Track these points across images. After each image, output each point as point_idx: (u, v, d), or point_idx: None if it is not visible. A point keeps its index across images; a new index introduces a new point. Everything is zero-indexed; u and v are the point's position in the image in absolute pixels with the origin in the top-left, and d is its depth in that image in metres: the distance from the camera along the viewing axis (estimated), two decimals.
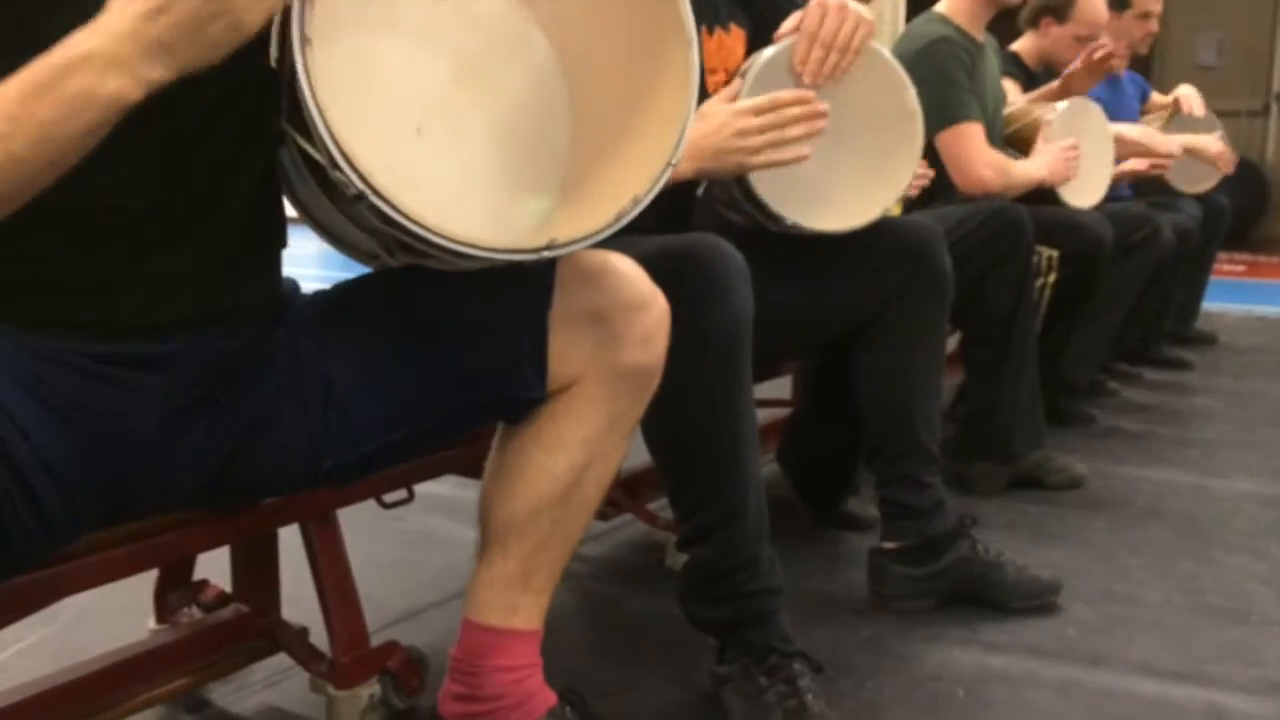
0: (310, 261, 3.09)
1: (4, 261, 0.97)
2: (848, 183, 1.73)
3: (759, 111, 1.49)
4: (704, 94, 1.57)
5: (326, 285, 1.28)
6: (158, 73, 0.84)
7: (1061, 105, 2.76)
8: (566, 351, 1.17)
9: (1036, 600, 1.85)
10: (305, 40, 0.90)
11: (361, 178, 0.93)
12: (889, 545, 1.87)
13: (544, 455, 1.21)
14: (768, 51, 1.62)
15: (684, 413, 1.41)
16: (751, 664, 1.46)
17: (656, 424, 1.42)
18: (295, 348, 1.16)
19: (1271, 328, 4.73)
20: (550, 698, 1.27)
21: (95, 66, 0.82)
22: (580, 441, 1.20)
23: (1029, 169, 2.62)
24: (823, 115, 1.50)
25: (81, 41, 0.83)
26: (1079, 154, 2.67)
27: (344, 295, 1.24)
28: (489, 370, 1.18)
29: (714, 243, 1.42)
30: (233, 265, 1.10)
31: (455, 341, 1.17)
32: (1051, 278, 2.60)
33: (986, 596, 1.85)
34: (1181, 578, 1.99)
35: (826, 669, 1.53)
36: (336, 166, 0.93)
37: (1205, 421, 3.13)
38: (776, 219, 1.66)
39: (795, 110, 1.49)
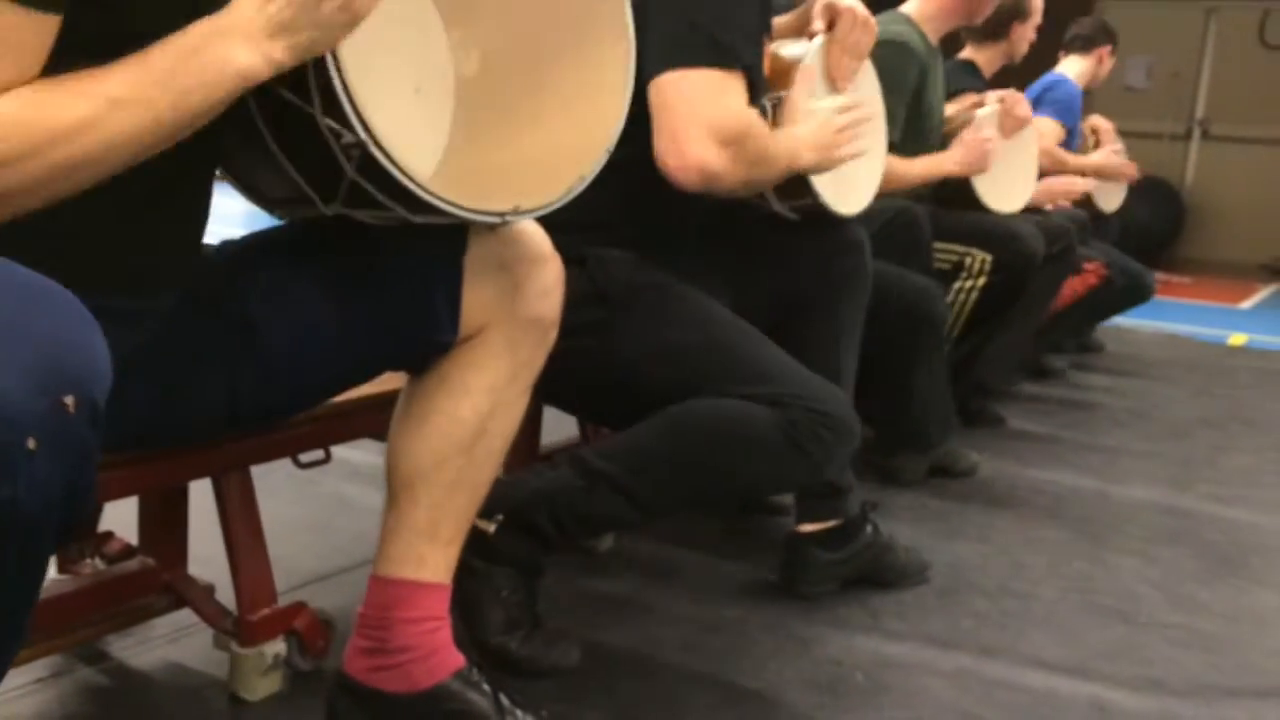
0: (236, 220, 3.04)
1: None
2: (854, 173, 1.90)
3: (842, 112, 1.71)
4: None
5: None
6: (279, 52, 0.92)
7: (989, 109, 2.80)
8: (474, 299, 1.21)
9: (922, 579, 1.98)
10: None
11: (366, 129, 0.97)
12: (808, 528, 1.91)
13: (449, 401, 1.24)
14: (808, 56, 1.79)
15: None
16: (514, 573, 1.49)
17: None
18: (215, 292, 1.15)
19: (1180, 345, 4.89)
20: (458, 658, 1.28)
21: (229, 40, 0.91)
22: (485, 389, 1.24)
23: (919, 166, 2.61)
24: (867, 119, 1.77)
25: (213, 19, 0.91)
26: (992, 145, 2.68)
27: (263, 242, 1.24)
28: (406, 314, 1.20)
29: None
30: (166, 220, 1.08)
31: (374, 285, 1.18)
32: (981, 281, 2.67)
33: (880, 577, 1.94)
34: (1076, 577, 2.06)
35: (731, 651, 1.57)
36: (344, 117, 0.96)
37: (1110, 430, 3.23)
38: (821, 206, 1.82)
39: (861, 113, 1.74)
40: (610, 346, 1.52)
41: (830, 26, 1.84)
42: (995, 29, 3.19)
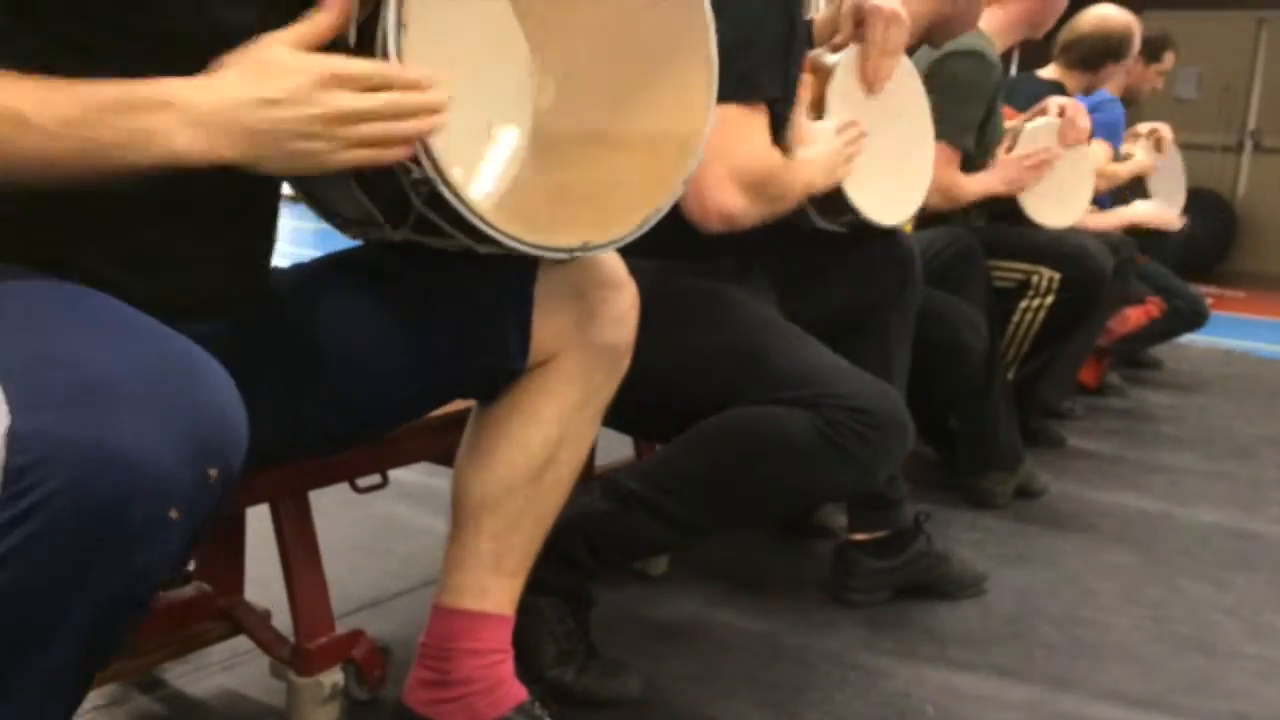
0: (309, 241, 3.04)
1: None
2: (896, 182, 1.87)
3: (840, 131, 1.69)
4: None
5: None
6: (229, 154, 0.82)
7: (1039, 121, 2.74)
8: (546, 325, 1.18)
9: (978, 590, 1.98)
10: (401, 26, 0.91)
11: (436, 168, 0.95)
12: (859, 537, 1.91)
13: (519, 429, 1.21)
14: (841, 65, 1.75)
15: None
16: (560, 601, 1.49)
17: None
18: (283, 318, 1.13)
19: (1236, 360, 4.78)
20: (520, 692, 1.25)
21: (180, 117, 0.80)
22: (555, 417, 1.21)
23: (977, 183, 2.56)
24: (863, 135, 1.72)
25: (180, 88, 0.81)
26: (1036, 162, 2.63)
27: (333, 266, 1.21)
28: (476, 340, 1.17)
29: None
30: (231, 243, 1.07)
31: (445, 311, 1.16)
32: (1049, 299, 2.61)
33: (935, 588, 1.93)
34: (1149, 605, 1.99)
35: (794, 681, 1.53)
36: (414, 154, 0.94)
37: (1172, 450, 3.14)
38: (863, 220, 1.77)
39: (856, 130, 1.70)
40: (639, 362, 1.44)
41: (858, 26, 1.78)
42: (1089, 60, 3.22)
